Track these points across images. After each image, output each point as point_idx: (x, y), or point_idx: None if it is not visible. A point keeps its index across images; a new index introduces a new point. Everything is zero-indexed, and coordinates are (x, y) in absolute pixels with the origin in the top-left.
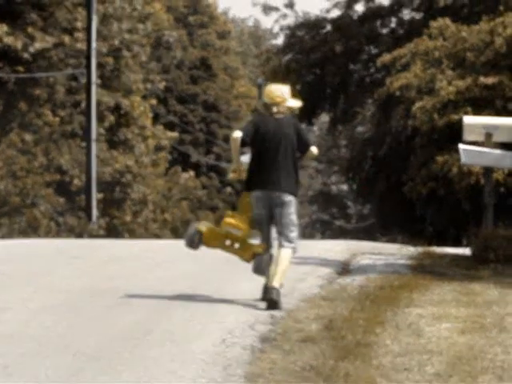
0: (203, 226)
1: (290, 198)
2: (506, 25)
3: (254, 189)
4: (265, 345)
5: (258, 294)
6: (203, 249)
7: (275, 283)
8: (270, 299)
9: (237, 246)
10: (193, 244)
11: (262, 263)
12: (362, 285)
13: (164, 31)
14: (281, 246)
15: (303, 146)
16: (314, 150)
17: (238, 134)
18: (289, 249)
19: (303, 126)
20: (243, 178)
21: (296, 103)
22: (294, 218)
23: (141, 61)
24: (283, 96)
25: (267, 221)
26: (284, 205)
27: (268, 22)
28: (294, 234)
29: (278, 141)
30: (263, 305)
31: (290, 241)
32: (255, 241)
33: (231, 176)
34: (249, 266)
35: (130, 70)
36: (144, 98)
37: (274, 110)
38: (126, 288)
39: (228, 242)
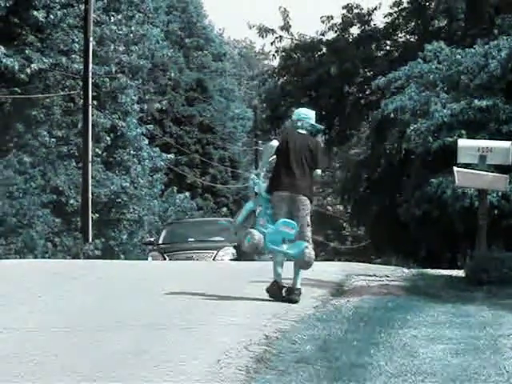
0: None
1: (307, 202)
2: (501, 48)
3: (277, 190)
4: (259, 365)
5: (253, 314)
6: (198, 268)
7: (298, 285)
8: (294, 300)
9: (285, 246)
10: (258, 249)
11: (311, 257)
12: (357, 306)
13: (157, 49)
14: None
15: (314, 164)
16: (318, 172)
17: (276, 143)
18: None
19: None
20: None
21: (319, 126)
22: (308, 218)
23: (137, 82)
24: (308, 115)
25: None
26: (302, 206)
27: (261, 43)
28: (309, 233)
29: (301, 152)
30: (258, 324)
31: (305, 239)
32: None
33: (252, 178)
34: (242, 285)
35: (126, 92)
36: (140, 119)
37: (299, 124)
38: (120, 308)
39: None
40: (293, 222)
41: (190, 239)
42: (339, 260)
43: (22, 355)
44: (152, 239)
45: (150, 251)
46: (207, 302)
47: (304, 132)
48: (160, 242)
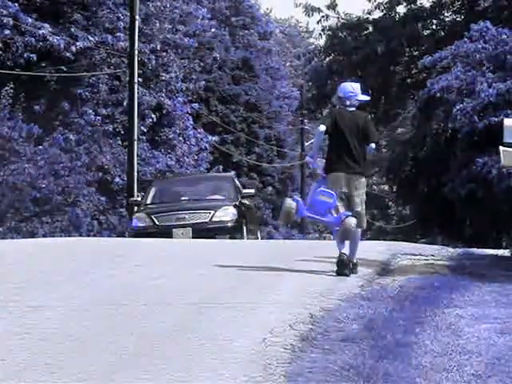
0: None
1: (362, 180)
2: None
3: (331, 171)
4: (305, 344)
5: (298, 293)
6: (243, 247)
7: (354, 259)
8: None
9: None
10: (290, 217)
11: (350, 224)
12: (402, 285)
13: (203, 27)
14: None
15: (367, 139)
16: (373, 145)
17: (323, 128)
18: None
19: None
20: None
21: (365, 97)
22: (364, 197)
23: (182, 61)
24: (355, 91)
25: (340, 198)
26: (356, 185)
27: (306, 22)
28: (363, 210)
29: (352, 130)
30: (303, 304)
31: (357, 214)
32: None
33: (307, 160)
34: (288, 263)
35: (171, 70)
36: (186, 98)
37: (347, 102)
38: (166, 286)
39: None
40: (331, 192)
41: (183, 198)
42: (384, 239)
43: (65, 333)
44: (139, 199)
45: (135, 212)
46: (253, 279)
47: (353, 109)
48: (148, 201)
